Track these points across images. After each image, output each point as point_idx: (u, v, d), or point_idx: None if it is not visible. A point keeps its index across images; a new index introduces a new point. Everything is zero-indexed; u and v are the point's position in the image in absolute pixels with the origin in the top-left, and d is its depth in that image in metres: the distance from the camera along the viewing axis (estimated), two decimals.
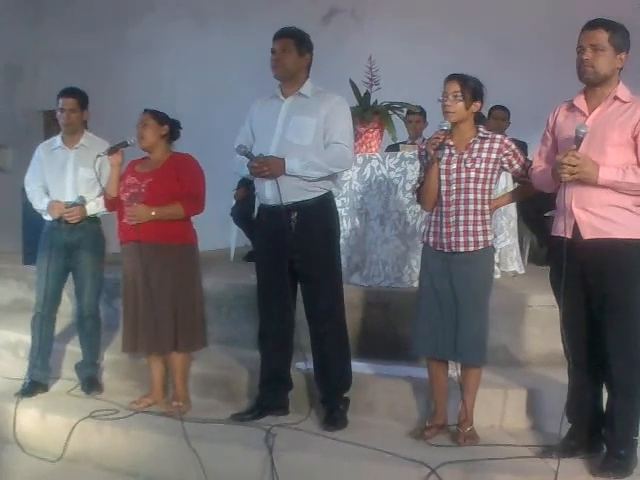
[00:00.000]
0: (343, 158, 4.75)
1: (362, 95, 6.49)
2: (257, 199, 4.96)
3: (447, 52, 8.65)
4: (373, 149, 6.45)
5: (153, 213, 4.95)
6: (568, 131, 3.92)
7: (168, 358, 5.19)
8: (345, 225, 6.13)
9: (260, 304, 4.94)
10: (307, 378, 5.08)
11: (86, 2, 10.70)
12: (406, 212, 6.02)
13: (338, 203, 5.45)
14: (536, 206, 7.17)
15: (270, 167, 4.57)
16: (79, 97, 5.60)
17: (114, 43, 10.46)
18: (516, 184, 5.18)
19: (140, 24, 10.62)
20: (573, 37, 3.95)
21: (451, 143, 4.39)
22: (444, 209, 4.41)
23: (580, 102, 4.00)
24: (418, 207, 5.24)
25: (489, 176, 4.39)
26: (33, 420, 5.21)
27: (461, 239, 4.36)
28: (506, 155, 4.39)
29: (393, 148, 7.17)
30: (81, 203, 5.44)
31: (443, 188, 4.40)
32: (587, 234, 3.89)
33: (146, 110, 5.17)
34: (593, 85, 3.93)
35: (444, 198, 4.41)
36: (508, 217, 6.70)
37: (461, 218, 4.36)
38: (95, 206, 5.50)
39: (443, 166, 4.39)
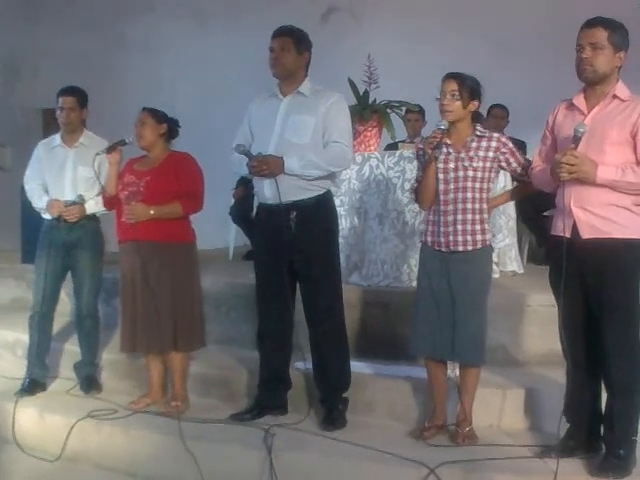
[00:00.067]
0: (342, 157, 4.74)
1: (361, 94, 6.48)
2: (256, 198, 4.96)
3: (446, 51, 8.64)
4: (372, 148, 6.44)
5: (152, 212, 4.95)
6: (567, 130, 3.92)
7: (167, 358, 5.19)
8: (344, 224, 6.12)
9: (259, 304, 4.93)
10: (306, 378, 5.07)
11: (86, 1, 10.68)
12: (405, 211, 6.01)
13: (337, 202, 5.44)
14: (535, 205, 7.18)
15: (269, 166, 4.57)
16: (79, 96, 5.60)
17: (114, 42, 10.45)
18: (515, 183, 5.17)
19: (140, 23, 10.61)
20: (572, 36, 3.94)
21: (448, 142, 4.38)
22: (442, 208, 4.40)
23: (579, 101, 3.99)
24: (417, 206, 5.24)
25: (487, 175, 4.38)
26: (32, 420, 5.21)
27: (459, 238, 4.36)
28: (503, 154, 4.39)
29: (392, 147, 7.17)
30: (80, 202, 5.44)
31: (441, 187, 4.40)
32: (586, 233, 3.89)
33: (144, 109, 5.17)
34: (592, 84, 3.93)
35: (442, 197, 4.40)
36: (507, 216, 6.69)
37: (459, 217, 4.36)
38: (94, 205, 5.49)
39: (441, 165, 4.38)
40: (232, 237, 8.56)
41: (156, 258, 5.02)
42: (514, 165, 4.42)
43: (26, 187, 5.76)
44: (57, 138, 5.70)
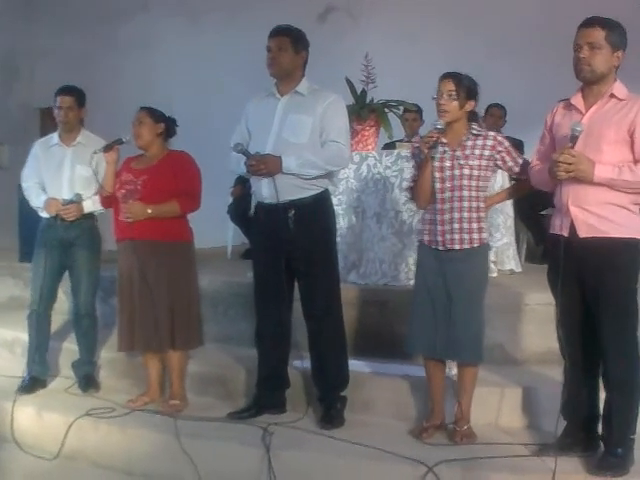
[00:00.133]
0: (340, 157, 4.74)
1: (358, 93, 6.50)
2: (253, 197, 4.96)
3: (443, 50, 8.64)
4: (369, 147, 6.45)
5: (149, 211, 4.95)
6: (565, 129, 3.92)
7: (165, 356, 5.19)
8: (342, 223, 6.13)
9: (257, 302, 4.94)
10: (304, 376, 5.08)
11: (82, 1, 10.69)
12: (402, 210, 6.02)
13: (335, 201, 5.46)
14: (532, 204, 7.20)
15: (267, 165, 4.57)
16: (77, 95, 5.60)
17: (109, 41, 10.46)
18: (513, 182, 5.17)
19: (133, 22, 10.62)
20: (570, 36, 3.94)
21: (444, 141, 4.38)
22: (438, 207, 4.41)
23: (577, 100, 4.00)
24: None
25: (483, 173, 4.39)
26: (30, 418, 5.20)
27: (456, 236, 4.36)
28: (499, 152, 4.39)
29: (389, 146, 7.17)
30: (78, 200, 5.43)
31: (437, 186, 4.41)
32: (583, 232, 3.90)
33: (142, 108, 5.17)
34: (590, 83, 3.93)
35: (438, 196, 4.41)
36: (505, 215, 6.70)
37: (455, 215, 4.36)
38: (92, 204, 5.49)
39: (437, 164, 4.39)
40: (230, 236, 8.56)
41: (154, 257, 5.02)
42: (510, 164, 4.43)
43: (23, 185, 5.76)
44: (55, 137, 5.69)
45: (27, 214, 6.18)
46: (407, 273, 5.92)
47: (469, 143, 4.39)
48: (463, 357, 4.43)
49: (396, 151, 6.23)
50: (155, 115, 5.14)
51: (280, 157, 4.58)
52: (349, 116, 4.96)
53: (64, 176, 5.53)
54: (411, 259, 5.81)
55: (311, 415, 4.90)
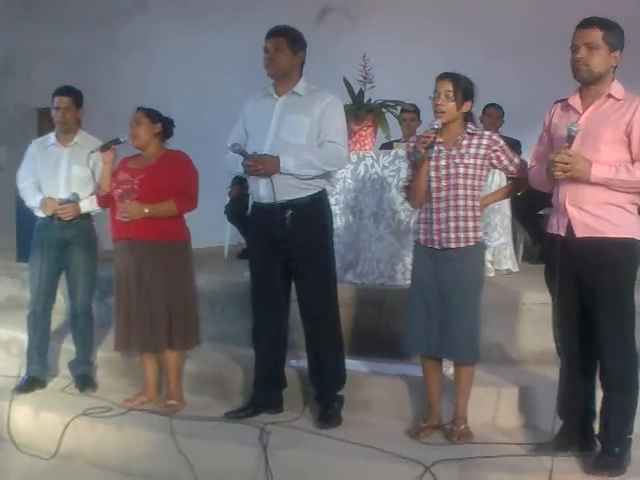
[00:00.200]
0: (337, 157, 4.75)
1: (356, 93, 6.50)
2: (251, 197, 4.96)
3: (441, 51, 8.64)
4: (367, 147, 6.45)
5: (146, 210, 4.95)
6: (563, 130, 3.92)
7: (162, 356, 5.20)
8: (339, 223, 6.13)
9: (254, 302, 4.94)
10: (301, 376, 5.08)
11: (80, 1, 10.67)
12: (400, 210, 6.02)
13: (332, 201, 5.46)
14: (530, 204, 7.20)
15: (265, 165, 4.57)
16: (74, 96, 5.59)
17: (107, 41, 10.42)
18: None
19: (132, 22, 10.59)
20: (567, 36, 3.95)
21: (440, 140, 4.38)
22: (434, 205, 4.41)
23: (575, 101, 4.00)
24: None
25: (478, 172, 4.39)
26: (27, 417, 5.21)
27: (452, 235, 4.37)
28: (494, 151, 4.40)
29: (387, 146, 7.18)
30: (75, 200, 5.43)
31: (433, 185, 4.41)
32: (580, 232, 3.90)
33: (139, 108, 5.17)
34: (588, 84, 3.93)
35: (434, 195, 4.41)
36: (502, 215, 6.71)
37: (451, 214, 4.36)
38: (89, 204, 5.49)
39: (432, 163, 4.39)
40: (227, 236, 8.56)
41: (150, 257, 5.02)
42: (505, 162, 4.43)
43: (19, 186, 5.75)
44: (52, 137, 5.69)
45: (24, 214, 6.16)
46: (404, 273, 5.92)
47: (464, 142, 4.40)
48: (459, 356, 4.43)
49: (393, 151, 6.23)
50: (152, 115, 5.14)
51: (278, 157, 4.58)
52: (347, 116, 4.97)
53: (61, 176, 5.53)
54: (408, 259, 5.80)
55: (308, 415, 4.90)
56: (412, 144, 4.57)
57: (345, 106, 5.12)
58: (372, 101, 6.49)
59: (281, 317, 4.83)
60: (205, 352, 5.55)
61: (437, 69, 4.48)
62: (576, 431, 4.16)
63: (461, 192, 4.36)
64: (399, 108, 6.93)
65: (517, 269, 6.90)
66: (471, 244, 4.37)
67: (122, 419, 4.97)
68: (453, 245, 4.37)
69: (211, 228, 8.00)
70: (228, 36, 10.02)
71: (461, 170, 4.35)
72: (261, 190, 4.69)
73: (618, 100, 3.90)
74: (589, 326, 3.97)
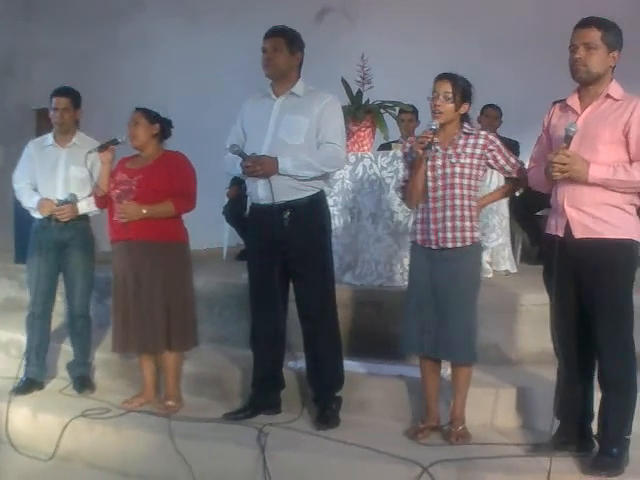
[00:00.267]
0: (336, 158, 4.75)
1: (354, 94, 6.49)
2: (249, 198, 4.95)
3: (439, 51, 8.65)
4: (365, 148, 6.45)
5: (144, 211, 4.94)
6: (561, 130, 3.91)
7: (160, 357, 5.18)
8: (337, 224, 6.12)
9: (252, 304, 4.93)
10: (299, 377, 5.08)
11: (78, 1, 10.67)
12: (398, 211, 6.01)
13: (330, 202, 5.45)
14: (528, 205, 7.21)
15: (263, 166, 4.56)
16: (72, 96, 5.58)
17: (106, 41, 10.43)
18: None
19: (131, 22, 10.60)
20: (566, 36, 3.94)
21: (436, 140, 4.38)
22: (431, 205, 4.41)
23: (573, 101, 4.00)
24: None
25: (474, 172, 4.39)
26: (25, 419, 5.19)
27: (448, 235, 4.36)
28: (490, 151, 4.40)
29: (385, 147, 7.18)
30: (72, 201, 5.41)
31: (429, 184, 4.41)
32: (579, 233, 3.90)
33: (137, 109, 5.16)
34: (586, 84, 3.93)
35: (431, 194, 4.41)
36: (500, 216, 6.71)
37: (448, 214, 4.36)
38: (86, 205, 5.47)
39: (429, 163, 4.39)
40: (226, 237, 8.56)
41: (148, 258, 5.01)
42: (501, 162, 4.43)
43: (15, 187, 5.71)
44: (49, 137, 5.68)
45: (23, 215, 6.15)
46: (402, 274, 5.91)
47: (461, 142, 4.40)
48: (457, 357, 4.43)
49: (392, 152, 6.23)
50: (150, 116, 5.14)
51: (276, 158, 4.58)
52: (345, 117, 4.96)
53: (58, 177, 5.52)
54: (406, 260, 5.77)
55: (306, 416, 4.90)
56: (408, 144, 4.57)
57: (343, 107, 5.12)
58: (370, 101, 6.48)
59: (279, 318, 4.82)
60: (203, 353, 5.54)
61: (435, 69, 4.48)
62: (574, 431, 4.16)
63: (457, 192, 4.36)
64: (397, 109, 6.93)
65: (515, 270, 6.90)
66: (468, 244, 4.37)
67: (120, 420, 4.97)
68: (450, 245, 4.37)
69: (209, 229, 8.01)
70: (228, 36, 10.03)
71: (457, 170, 4.35)
72: (259, 191, 4.69)
73: (616, 100, 3.89)
74: (587, 327, 3.96)
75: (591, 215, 3.87)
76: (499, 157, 4.41)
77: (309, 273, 4.74)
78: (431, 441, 4.45)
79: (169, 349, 5.10)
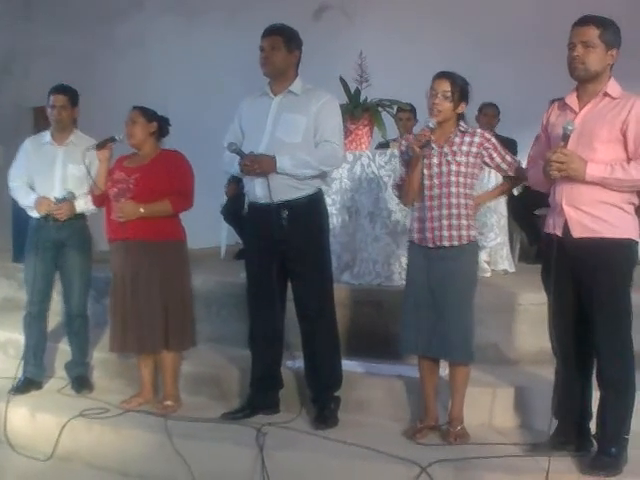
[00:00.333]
0: (334, 157, 4.74)
1: (352, 92, 6.48)
2: (247, 197, 4.95)
3: (437, 49, 8.64)
4: (363, 146, 6.44)
5: (142, 210, 4.94)
6: (559, 129, 3.91)
7: (158, 357, 5.18)
8: (335, 223, 6.11)
9: (250, 303, 4.93)
10: (298, 377, 5.07)
11: (78, 1, 10.67)
12: (396, 210, 6.00)
13: (328, 201, 5.45)
14: (526, 204, 7.20)
15: (261, 165, 4.56)
16: (70, 94, 5.57)
17: (104, 41, 10.44)
18: None
19: (130, 21, 10.60)
20: (564, 34, 3.94)
21: (432, 138, 4.37)
22: (427, 204, 4.41)
23: (572, 100, 3.99)
24: None
25: (470, 170, 4.39)
26: (23, 419, 5.19)
27: (445, 233, 4.36)
28: (487, 149, 4.40)
29: (383, 146, 7.17)
30: (70, 198, 5.39)
31: (426, 183, 4.40)
32: (577, 232, 3.89)
33: (135, 107, 5.16)
34: (584, 82, 3.92)
35: (427, 193, 4.40)
36: (498, 215, 6.70)
37: (444, 212, 4.36)
38: (84, 204, 5.46)
39: (425, 161, 4.39)
40: (224, 236, 8.54)
41: (146, 257, 5.01)
42: (497, 160, 4.43)
43: (10, 185, 5.69)
44: (47, 135, 5.67)
45: (21, 214, 6.14)
46: (400, 273, 5.90)
47: (457, 140, 4.39)
48: (454, 356, 4.42)
49: (390, 150, 6.22)
50: (148, 114, 5.13)
51: (274, 157, 4.57)
52: (343, 115, 4.95)
53: (56, 175, 5.50)
54: (404, 259, 5.73)
55: (304, 415, 4.89)
56: (405, 142, 4.57)
57: (341, 105, 5.12)
58: (368, 100, 6.48)
59: (277, 317, 4.82)
60: (202, 353, 5.54)
61: (434, 68, 4.47)
62: (572, 431, 4.15)
63: (454, 190, 4.35)
64: (395, 107, 6.93)
65: (514, 269, 6.89)
66: (464, 242, 4.37)
67: (119, 420, 4.96)
68: (446, 243, 4.36)
69: (207, 228, 7.99)
70: (227, 35, 10.03)
71: (453, 168, 4.35)
72: (257, 190, 4.68)
73: (614, 99, 3.89)
74: (585, 326, 3.96)
75: (589, 214, 3.87)
76: (495, 155, 4.41)
77: (307, 272, 4.73)
78: (429, 441, 4.45)
79: (167, 349, 5.09)
